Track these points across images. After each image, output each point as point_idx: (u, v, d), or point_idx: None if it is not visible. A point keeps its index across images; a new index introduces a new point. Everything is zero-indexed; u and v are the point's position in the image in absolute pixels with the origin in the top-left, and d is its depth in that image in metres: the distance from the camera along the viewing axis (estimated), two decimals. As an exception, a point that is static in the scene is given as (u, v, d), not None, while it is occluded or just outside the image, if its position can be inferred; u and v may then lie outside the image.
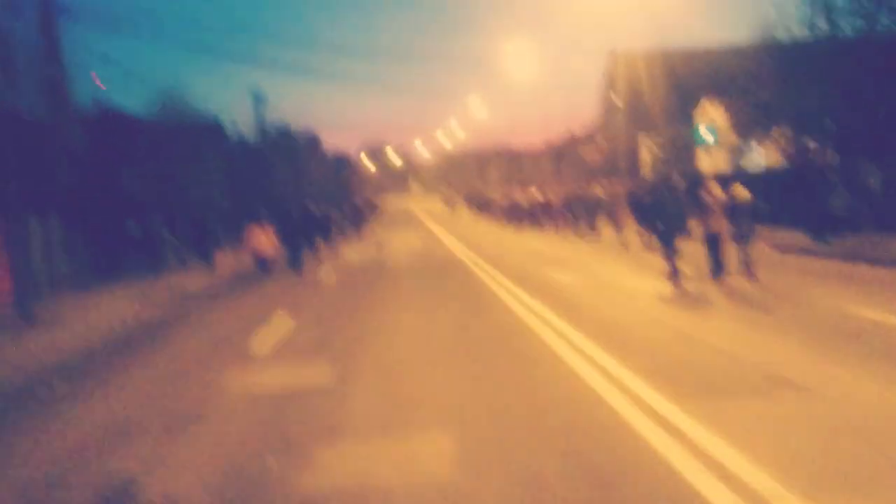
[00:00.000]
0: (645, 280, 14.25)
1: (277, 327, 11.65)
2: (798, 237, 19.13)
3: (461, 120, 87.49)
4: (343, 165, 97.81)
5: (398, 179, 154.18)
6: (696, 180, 28.98)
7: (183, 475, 5.46)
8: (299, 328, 11.62)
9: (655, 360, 7.75)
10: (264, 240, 18.51)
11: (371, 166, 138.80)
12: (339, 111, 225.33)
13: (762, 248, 18.10)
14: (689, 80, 38.75)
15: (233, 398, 7.69)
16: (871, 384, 6.48)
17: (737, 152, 37.66)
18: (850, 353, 7.65)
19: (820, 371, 7.00)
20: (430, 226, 43.55)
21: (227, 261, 24.28)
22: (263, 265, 18.60)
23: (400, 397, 7.16)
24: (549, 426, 5.94)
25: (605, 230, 25.94)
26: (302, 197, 50.71)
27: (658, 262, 14.09)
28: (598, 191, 29.47)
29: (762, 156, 36.44)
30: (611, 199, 27.54)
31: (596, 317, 10.71)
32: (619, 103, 48.65)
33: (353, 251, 27.67)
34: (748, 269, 13.50)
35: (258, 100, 48.06)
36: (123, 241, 23.44)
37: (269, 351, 9.98)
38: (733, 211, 13.65)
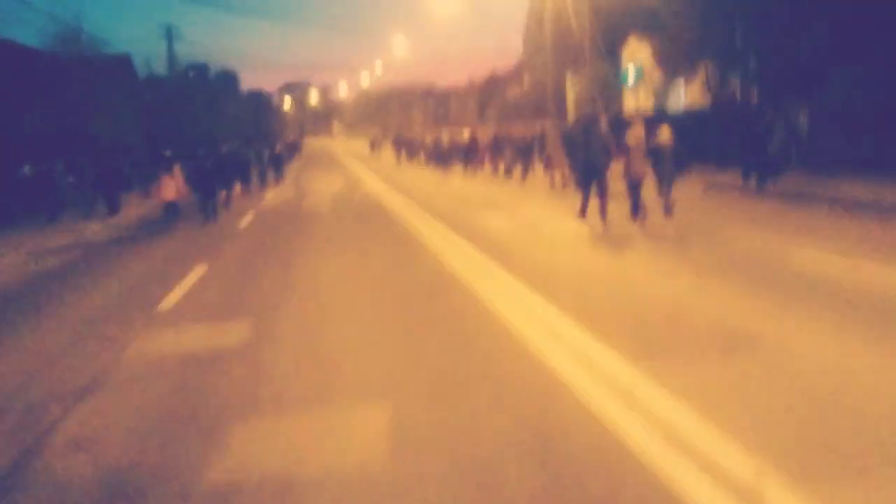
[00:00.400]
0: (570, 221, 13.88)
1: (185, 279, 10.73)
2: (730, 177, 19.10)
3: (385, 58, 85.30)
4: (262, 104, 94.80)
5: (320, 120, 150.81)
6: (620, 120, 28.78)
7: (74, 458, 4.69)
8: (210, 279, 10.74)
9: (581, 300, 7.29)
10: (170, 184, 16.88)
11: (290, 106, 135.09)
12: (259, 49, 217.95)
13: (694, 188, 18.07)
14: (617, 17, 38.21)
15: (135, 362, 6.86)
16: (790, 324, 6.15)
17: (661, 92, 37.63)
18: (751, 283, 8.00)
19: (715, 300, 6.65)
20: (353, 168, 41.99)
21: (135, 206, 22.98)
22: (171, 211, 17.01)
23: (323, 360, 6.46)
24: (486, 391, 5.37)
25: (534, 171, 25.38)
26: (217, 137, 48.70)
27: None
28: (525, 131, 29.04)
29: (684, 95, 36.49)
30: (539, 138, 27.08)
31: (526, 260, 10.19)
32: (544, 40, 48.02)
33: (271, 195, 26.22)
34: (668, 210, 13.36)
35: (171, 34, 45.37)
36: (17, 184, 21.77)
37: (177, 305, 9.12)
38: (656, 153, 13.49)
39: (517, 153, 25.58)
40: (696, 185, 18.69)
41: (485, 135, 33.95)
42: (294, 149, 68.00)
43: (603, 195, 13.35)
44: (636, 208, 13.17)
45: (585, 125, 15.74)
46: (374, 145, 61.15)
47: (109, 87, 42.80)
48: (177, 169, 17.07)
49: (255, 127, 71.77)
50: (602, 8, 38.42)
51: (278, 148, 39.12)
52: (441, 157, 34.32)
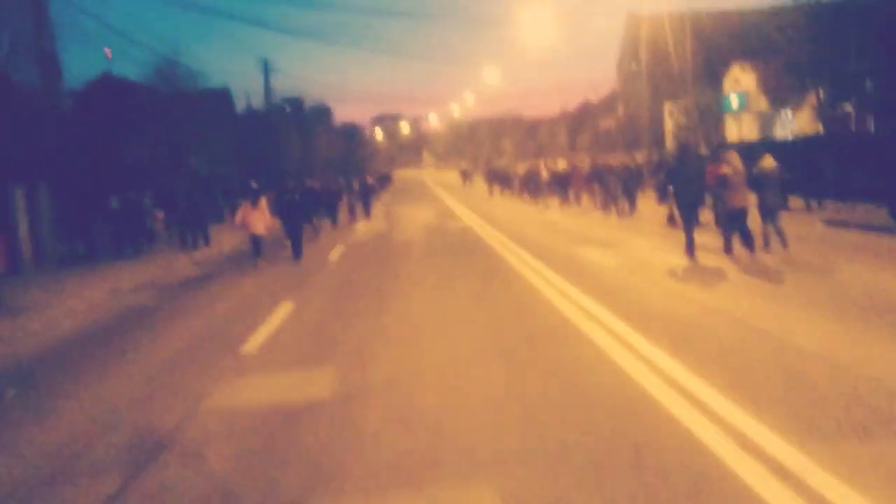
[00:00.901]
0: (677, 256, 12.76)
1: (270, 318, 10.15)
2: (857, 213, 17.55)
3: (476, 90, 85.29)
4: (353, 137, 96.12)
5: (411, 151, 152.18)
6: (718, 150, 27.16)
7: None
8: (296, 319, 10.11)
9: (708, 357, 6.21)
10: (256, 217, 16.11)
11: (381, 137, 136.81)
12: (351, 81, 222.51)
13: (809, 223, 16.61)
14: (718, 43, 36.73)
15: (212, 416, 6.21)
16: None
17: (766, 119, 35.79)
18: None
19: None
20: (445, 200, 41.16)
21: (227, 237, 22.94)
22: (257, 245, 16.35)
23: (421, 421, 5.63)
24: (622, 471, 4.41)
25: (639, 203, 23.74)
26: (311, 169, 49.25)
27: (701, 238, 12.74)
28: (626, 160, 27.44)
29: (792, 122, 34.56)
30: (639, 168, 25.72)
31: (642, 306, 9.14)
32: (640, 69, 46.65)
33: (362, 228, 25.54)
34: (782, 243, 12.49)
35: (267, 67, 46.08)
36: (105, 217, 21.80)
37: (261, 348, 8.50)
38: (759, 182, 12.75)
39: (621, 184, 23.59)
40: (811, 221, 17.23)
41: (581, 165, 32.30)
42: (385, 180, 68.42)
43: (736, 229, 12.39)
44: (730, 244, 12.53)
45: (683, 154, 14.77)
46: (466, 176, 60.83)
47: (208, 120, 43.89)
48: (263, 201, 16.41)
49: (347, 159, 72.52)
50: (703, 34, 37.00)
51: (369, 179, 38.53)
52: (537, 188, 32.61)
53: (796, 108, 33.68)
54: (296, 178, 25.93)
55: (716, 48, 37.00)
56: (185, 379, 7.49)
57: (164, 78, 34.13)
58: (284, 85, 61.77)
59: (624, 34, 55.80)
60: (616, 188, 23.70)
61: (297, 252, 16.92)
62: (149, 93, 34.16)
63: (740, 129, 36.64)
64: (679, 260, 12.59)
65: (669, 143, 40.51)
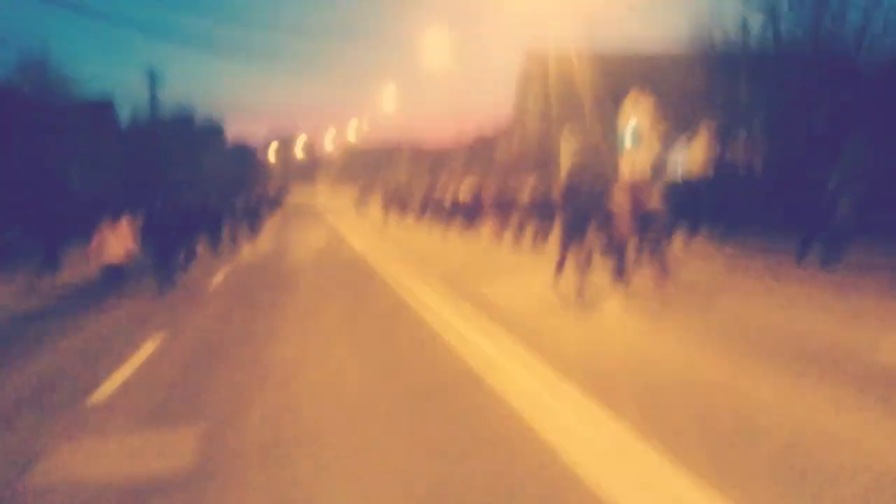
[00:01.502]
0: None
1: (130, 360, 8.89)
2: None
3: (373, 112, 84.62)
4: (245, 156, 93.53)
5: (304, 172, 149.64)
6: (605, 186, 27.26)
7: None
8: (160, 361, 8.87)
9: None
10: (114, 241, 13.49)
11: (273, 158, 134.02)
12: (243, 95, 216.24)
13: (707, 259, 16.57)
14: (614, 82, 37.26)
15: (37, 491, 5.01)
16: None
17: (659, 157, 36.55)
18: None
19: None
20: (338, 226, 39.37)
21: (82, 264, 19.55)
22: (114, 276, 13.65)
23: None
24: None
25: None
26: (197, 190, 46.94)
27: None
28: (535, 186, 24.04)
29: (682, 161, 35.42)
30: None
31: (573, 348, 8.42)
32: (534, 103, 47.14)
33: (246, 254, 23.60)
34: (662, 274, 12.83)
35: (154, 78, 43.51)
36: None
37: (112, 398, 7.28)
38: (642, 219, 13.09)
39: (532, 213, 21.77)
40: (711, 257, 17.16)
41: (486, 191, 29.46)
42: (275, 203, 66.42)
43: (619, 261, 13.06)
44: (618, 273, 13.00)
45: (579, 182, 14.80)
46: (360, 200, 58.88)
47: (89, 133, 41.18)
48: (125, 222, 13.93)
49: (238, 180, 70.11)
50: (600, 71, 37.55)
51: (255, 198, 35.16)
52: (437, 214, 31.45)
53: (688, 145, 34.57)
54: (191, 193, 23.22)
55: (612, 86, 37.57)
56: (11, 441, 6.18)
57: (30, 81, 31.45)
58: (174, 98, 58.85)
59: (522, 69, 56.46)
60: (524, 217, 22.37)
61: (165, 281, 14.83)
62: (22, 101, 31.57)
63: (633, 165, 37.24)
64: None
65: (564, 168, 40.86)
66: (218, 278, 17.07)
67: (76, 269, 18.35)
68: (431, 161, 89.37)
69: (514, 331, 9.52)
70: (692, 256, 17.26)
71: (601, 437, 5.53)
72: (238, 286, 16.16)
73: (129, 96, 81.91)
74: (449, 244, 24.74)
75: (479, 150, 70.19)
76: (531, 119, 51.67)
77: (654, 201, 13.58)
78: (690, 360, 7.76)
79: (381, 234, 30.60)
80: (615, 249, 13.17)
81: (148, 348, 9.52)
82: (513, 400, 6.53)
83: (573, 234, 13.37)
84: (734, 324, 9.50)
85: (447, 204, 30.05)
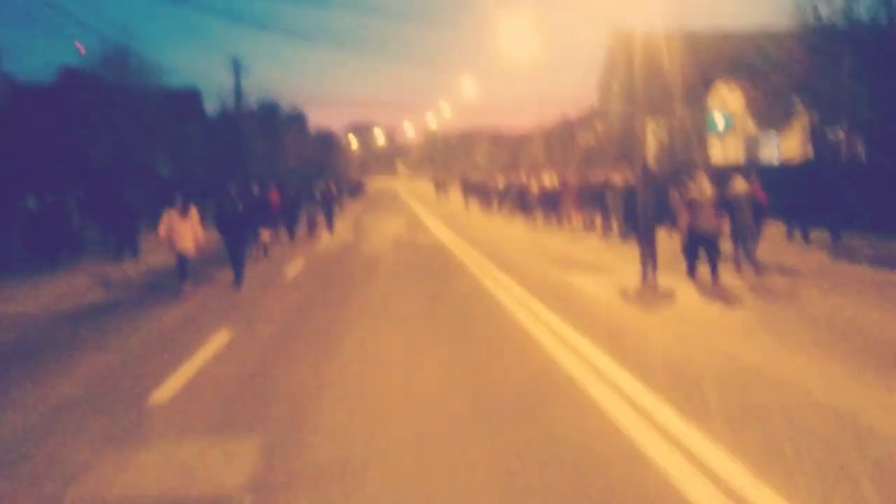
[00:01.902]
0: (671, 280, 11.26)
1: (196, 354, 8.49)
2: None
3: (452, 99, 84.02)
4: (329, 144, 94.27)
5: (385, 160, 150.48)
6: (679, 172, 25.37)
7: None
8: (228, 357, 8.42)
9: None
10: (185, 230, 12.94)
11: (356, 146, 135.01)
12: (326, 85, 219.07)
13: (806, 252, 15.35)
14: (705, 63, 35.51)
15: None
16: None
17: (753, 141, 34.72)
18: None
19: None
20: (419, 214, 38.56)
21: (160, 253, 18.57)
22: (183, 265, 13.19)
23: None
24: None
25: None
26: (280, 175, 47.20)
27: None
28: (627, 176, 21.54)
29: (779, 147, 33.51)
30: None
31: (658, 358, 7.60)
32: (621, 85, 45.52)
33: (324, 243, 23.03)
34: (754, 267, 12.72)
35: (238, 67, 43.80)
36: (28, 219, 18.67)
37: (174, 399, 6.84)
38: (730, 206, 12.71)
39: (622, 204, 19.89)
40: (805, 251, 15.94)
41: (571, 180, 28.38)
42: (358, 189, 66.68)
43: (701, 253, 12.42)
44: (693, 268, 12.46)
45: (643, 177, 14.00)
46: (440, 187, 58.44)
47: (177, 121, 41.80)
48: (193, 210, 13.28)
49: (321, 166, 70.54)
50: (691, 52, 35.85)
51: (332, 187, 32.89)
52: (523, 204, 29.87)
53: (783, 131, 32.62)
54: (260, 183, 22.61)
55: (703, 67, 35.83)
56: (62, 448, 5.73)
57: (113, 69, 31.83)
58: (256, 86, 59.38)
59: (607, 50, 54.76)
60: (617, 209, 20.64)
61: (238, 275, 13.95)
62: (116, 90, 32.05)
63: (725, 150, 35.48)
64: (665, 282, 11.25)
65: (652, 161, 39.30)
66: (295, 267, 16.74)
67: (154, 257, 18.41)
68: (512, 147, 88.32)
69: (591, 326, 8.77)
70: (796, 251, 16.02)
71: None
72: (316, 275, 15.74)
73: (213, 85, 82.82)
74: (534, 234, 23.92)
75: (562, 136, 68.76)
76: (616, 103, 50.05)
77: (742, 186, 13.11)
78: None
79: (462, 222, 29.94)
80: (699, 242, 12.31)
81: (216, 343, 9.09)
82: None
83: (648, 226, 12.82)
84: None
85: (531, 192, 28.60)
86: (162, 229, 13.06)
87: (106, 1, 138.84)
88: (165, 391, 7.02)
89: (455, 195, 52.70)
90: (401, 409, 6.30)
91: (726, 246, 12.88)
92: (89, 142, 31.15)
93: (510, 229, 26.43)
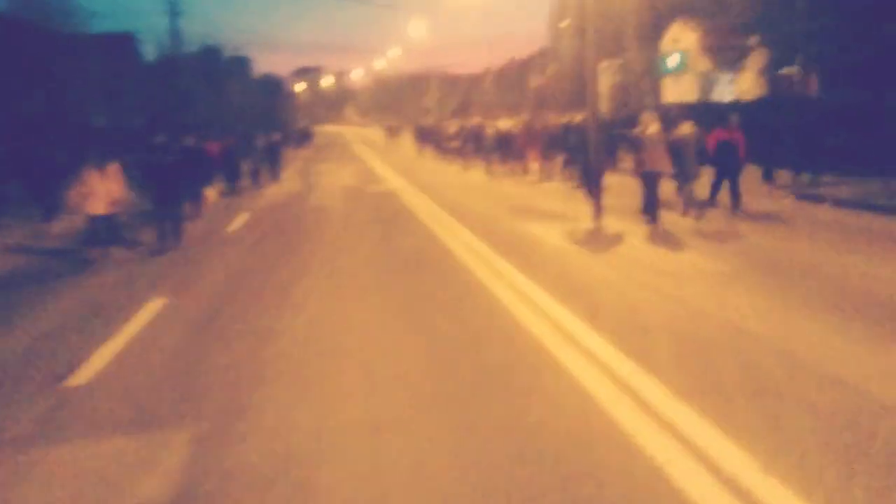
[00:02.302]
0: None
1: (126, 326, 7.66)
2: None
3: (402, 43, 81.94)
4: (275, 89, 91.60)
5: (334, 106, 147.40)
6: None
7: None
8: (162, 328, 7.60)
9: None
10: (100, 187, 11.40)
11: (303, 90, 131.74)
12: (268, 27, 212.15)
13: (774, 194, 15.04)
14: (659, 1, 34.76)
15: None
16: None
17: (708, 80, 34.27)
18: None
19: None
20: (370, 162, 37.04)
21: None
22: (105, 226, 11.69)
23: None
24: None
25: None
26: (223, 123, 45.34)
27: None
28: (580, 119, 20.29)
29: (733, 85, 33.14)
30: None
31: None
32: (571, 25, 44.59)
33: (269, 194, 21.93)
34: (691, 208, 12.94)
35: (174, 7, 41.30)
36: None
37: (97, 378, 6.07)
38: (675, 148, 12.69)
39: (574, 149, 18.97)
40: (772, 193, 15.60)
41: (532, 124, 26.49)
42: (305, 137, 64.94)
43: (651, 192, 12.49)
44: (649, 205, 12.42)
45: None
46: (391, 132, 56.72)
47: (110, 67, 39.65)
48: (114, 167, 11.74)
49: (266, 113, 68.40)
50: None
51: (276, 137, 29.78)
52: (478, 149, 27.93)
53: (738, 70, 32.24)
54: (198, 134, 21.06)
55: (657, 6, 35.08)
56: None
57: (34, 12, 29.61)
58: (197, 28, 56.83)
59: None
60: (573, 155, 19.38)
61: (164, 233, 12.49)
62: (44, 36, 29.95)
63: (679, 90, 35.02)
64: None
65: (604, 103, 38.71)
66: (236, 223, 15.72)
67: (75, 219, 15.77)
68: (462, 90, 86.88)
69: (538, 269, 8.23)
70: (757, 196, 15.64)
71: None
72: (258, 231, 14.67)
73: (150, 28, 79.19)
74: (491, 181, 23.17)
75: (513, 78, 67.72)
76: (567, 42, 49.12)
77: (686, 129, 13.15)
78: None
79: (415, 169, 29.02)
80: (645, 180, 12.45)
81: (147, 313, 8.24)
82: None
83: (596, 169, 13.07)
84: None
85: (487, 136, 26.81)
86: (73, 191, 11.57)
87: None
88: (84, 374, 6.20)
89: (407, 141, 51.54)
90: (353, 390, 5.60)
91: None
92: (19, 94, 29.09)
93: (466, 176, 25.56)
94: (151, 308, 8.39)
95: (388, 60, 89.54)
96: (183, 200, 13.80)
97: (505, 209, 15.60)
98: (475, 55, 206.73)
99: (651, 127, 12.56)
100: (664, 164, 12.38)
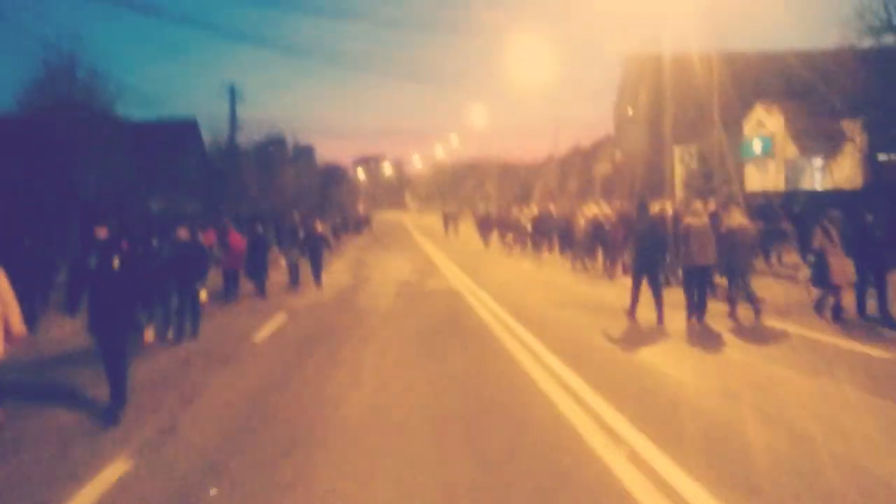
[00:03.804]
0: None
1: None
2: None
3: (461, 130, 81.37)
4: (334, 177, 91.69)
5: (393, 192, 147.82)
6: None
7: None
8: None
9: None
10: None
11: (364, 177, 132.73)
12: (334, 117, 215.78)
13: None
14: (744, 84, 32.47)
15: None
16: None
17: (796, 167, 31.62)
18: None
19: None
20: (429, 252, 34.14)
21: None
22: None
23: None
24: None
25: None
26: (273, 208, 43.99)
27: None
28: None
29: (826, 171, 30.41)
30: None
31: None
32: (638, 112, 42.66)
33: (311, 292, 18.63)
34: (754, 306, 11.63)
35: (234, 94, 40.11)
36: None
37: None
38: (727, 240, 11.70)
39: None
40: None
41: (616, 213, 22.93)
42: (363, 223, 63.81)
43: (698, 290, 11.68)
44: (695, 305, 11.44)
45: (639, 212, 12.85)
46: (449, 220, 52.18)
47: (173, 152, 38.95)
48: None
49: (324, 199, 67.67)
50: (727, 73, 32.92)
51: (319, 227, 21.69)
52: (569, 242, 23.52)
53: (830, 156, 29.57)
54: (194, 224, 14.54)
55: (741, 89, 32.82)
56: None
57: (88, 94, 28.49)
58: (256, 115, 56.44)
59: (622, 76, 52.13)
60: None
61: (114, 394, 7.70)
62: (106, 120, 29.01)
63: (764, 177, 32.39)
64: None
65: (679, 191, 36.17)
66: (264, 332, 13.41)
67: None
68: (522, 178, 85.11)
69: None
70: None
71: None
72: (293, 344, 12.19)
73: (206, 112, 79.23)
74: (592, 288, 17.92)
75: (575, 165, 65.75)
76: (633, 129, 47.14)
77: (739, 219, 12.12)
78: None
79: (483, 265, 25.78)
80: (690, 276, 11.64)
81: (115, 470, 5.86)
82: None
83: (643, 264, 12.03)
84: None
85: (579, 226, 22.44)
86: None
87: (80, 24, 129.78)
88: None
89: (466, 230, 48.97)
90: None
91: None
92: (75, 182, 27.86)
93: (546, 276, 21.39)
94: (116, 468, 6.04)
95: (447, 148, 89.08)
96: (139, 327, 7.99)
97: (623, 335, 11.94)
98: (531, 141, 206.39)
99: (702, 217, 11.93)
100: (710, 257, 11.45)
